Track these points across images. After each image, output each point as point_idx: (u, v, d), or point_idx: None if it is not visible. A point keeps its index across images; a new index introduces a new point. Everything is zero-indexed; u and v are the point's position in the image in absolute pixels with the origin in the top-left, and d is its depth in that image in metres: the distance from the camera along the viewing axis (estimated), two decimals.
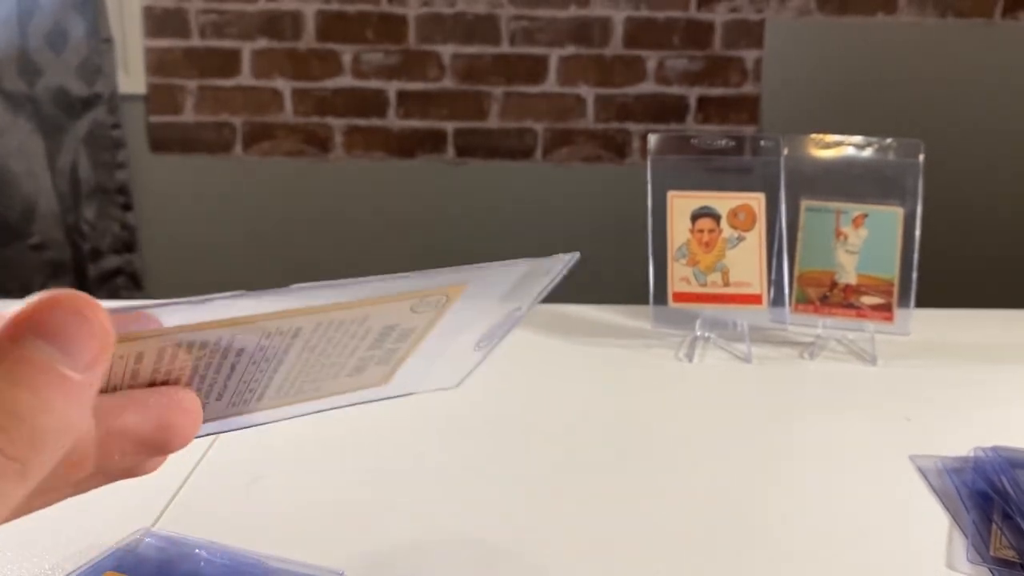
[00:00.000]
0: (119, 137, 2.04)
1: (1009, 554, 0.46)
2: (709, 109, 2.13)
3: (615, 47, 2.10)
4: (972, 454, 0.57)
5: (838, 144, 0.81)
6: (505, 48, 2.10)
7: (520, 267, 0.30)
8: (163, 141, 2.12)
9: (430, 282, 0.29)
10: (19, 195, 1.97)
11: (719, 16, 2.09)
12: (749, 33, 2.09)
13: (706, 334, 0.82)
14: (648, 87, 2.12)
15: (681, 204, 0.81)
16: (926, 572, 0.46)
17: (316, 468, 0.56)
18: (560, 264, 0.31)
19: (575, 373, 0.76)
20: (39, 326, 0.22)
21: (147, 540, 0.45)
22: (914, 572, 0.47)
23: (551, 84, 2.12)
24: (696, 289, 0.80)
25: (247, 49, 2.08)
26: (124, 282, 2.10)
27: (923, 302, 0.82)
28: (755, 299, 0.80)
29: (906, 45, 2.10)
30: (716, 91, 2.12)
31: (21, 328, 0.22)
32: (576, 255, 0.32)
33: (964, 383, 0.74)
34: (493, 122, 2.13)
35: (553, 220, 2.17)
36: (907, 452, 0.60)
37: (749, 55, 2.10)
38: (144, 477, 0.29)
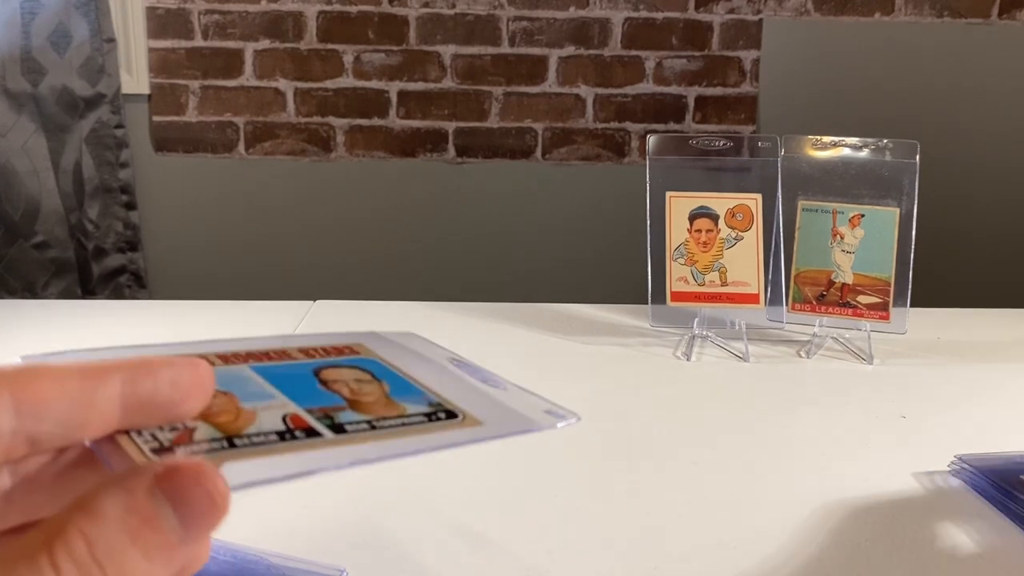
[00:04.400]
0: (122, 137, 2.05)
1: None
2: (707, 109, 2.14)
3: (614, 47, 2.11)
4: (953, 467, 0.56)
5: (835, 145, 0.82)
6: (505, 48, 2.11)
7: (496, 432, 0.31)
8: (166, 141, 2.12)
9: (454, 437, 0.30)
10: (23, 194, 1.98)
11: (717, 17, 2.09)
12: (747, 33, 2.10)
13: (704, 333, 0.83)
14: (647, 87, 2.13)
15: (679, 204, 0.82)
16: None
17: None
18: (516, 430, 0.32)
19: (574, 371, 0.76)
20: (176, 493, 0.23)
21: None
22: None
23: (551, 84, 2.13)
24: (694, 288, 0.81)
25: (250, 49, 2.09)
26: (127, 281, 2.11)
27: (919, 301, 0.82)
28: (752, 298, 0.81)
29: (903, 45, 2.10)
30: (714, 91, 2.13)
31: (161, 486, 0.22)
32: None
33: (959, 381, 0.75)
34: (493, 122, 2.14)
35: (553, 219, 2.18)
36: (903, 449, 0.61)
37: (747, 55, 2.11)
38: None
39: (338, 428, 0.29)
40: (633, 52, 2.11)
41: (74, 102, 1.98)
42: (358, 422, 0.29)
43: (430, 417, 0.31)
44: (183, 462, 0.23)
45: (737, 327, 0.82)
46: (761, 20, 2.09)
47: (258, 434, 0.27)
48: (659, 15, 2.09)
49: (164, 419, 0.26)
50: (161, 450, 0.25)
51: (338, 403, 0.30)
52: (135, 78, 2.08)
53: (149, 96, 2.10)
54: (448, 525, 0.50)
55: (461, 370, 0.36)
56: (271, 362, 0.32)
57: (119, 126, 2.04)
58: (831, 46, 2.10)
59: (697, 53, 2.11)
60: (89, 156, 2.02)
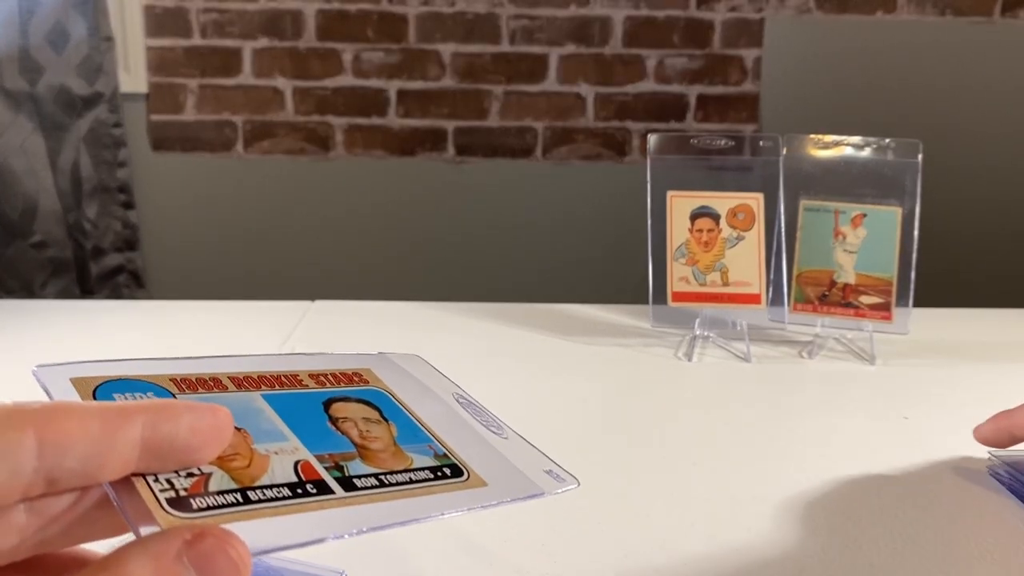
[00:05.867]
0: (120, 136, 2.04)
1: None
2: (708, 108, 2.13)
3: (615, 46, 2.10)
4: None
5: (837, 144, 0.81)
6: (505, 47, 2.10)
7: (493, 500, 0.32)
8: (164, 140, 2.12)
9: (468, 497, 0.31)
10: (21, 194, 1.98)
11: (718, 15, 2.09)
12: (748, 32, 2.10)
13: (705, 333, 0.82)
14: (648, 86, 2.12)
15: (680, 204, 0.82)
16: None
17: None
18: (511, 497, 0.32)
19: (574, 372, 0.76)
20: (202, 560, 0.23)
21: None
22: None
23: (551, 83, 2.12)
24: (695, 288, 0.81)
25: (248, 48, 2.08)
26: (126, 280, 2.11)
27: (921, 301, 0.82)
28: (754, 298, 0.80)
29: (905, 44, 2.10)
30: (715, 90, 2.12)
31: (188, 552, 0.23)
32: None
33: (962, 382, 0.75)
34: (493, 121, 2.14)
35: (553, 219, 2.18)
36: (905, 450, 0.61)
37: (748, 54, 2.11)
38: None
39: (348, 482, 0.29)
40: (634, 50, 2.10)
41: (72, 101, 1.98)
42: (367, 475, 0.30)
43: (435, 472, 0.31)
44: (209, 528, 0.24)
45: (739, 327, 0.82)
46: (763, 18, 2.09)
47: (271, 486, 0.27)
48: (660, 13, 2.08)
49: (181, 464, 0.26)
50: (177, 500, 0.25)
51: (348, 450, 0.31)
52: (133, 77, 2.08)
53: (147, 95, 2.10)
54: (448, 527, 0.50)
55: (465, 410, 0.37)
56: (283, 389, 0.33)
57: (117, 125, 2.03)
58: (833, 44, 2.09)
59: (698, 51, 2.10)
60: (87, 155, 2.01)
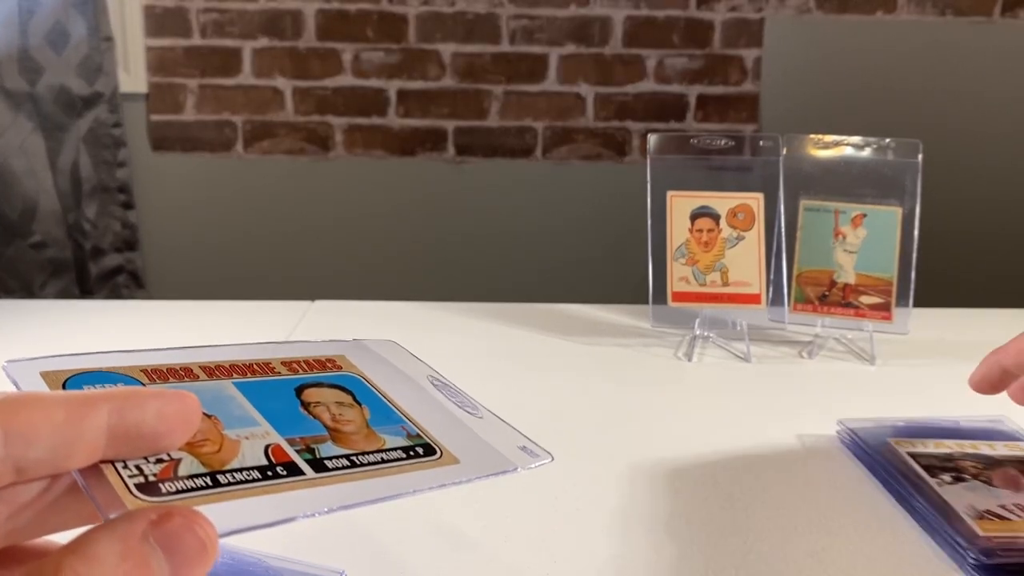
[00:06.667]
0: (120, 136, 2.04)
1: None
2: (708, 108, 2.13)
3: (615, 46, 2.10)
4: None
5: (837, 144, 0.81)
6: (505, 47, 2.10)
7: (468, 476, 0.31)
8: (164, 140, 2.12)
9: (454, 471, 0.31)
10: (20, 194, 1.97)
11: (718, 15, 2.09)
12: (748, 32, 2.10)
13: (705, 333, 0.82)
14: (648, 86, 2.12)
15: (680, 204, 0.81)
16: (926, 569, 0.47)
17: None
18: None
19: (574, 372, 0.76)
20: (168, 540, 0.23)
21: None
22: (909, 571, 0.47)
23: (551, 83, 2.12)
24: (695, 288, 0.81)
25: (248, 48, 2.08)
26: (125, 280, 2.11)
27: (921, 301, 0.82)
28: (754, 298, 0.80)
29: (906, 44, 2.10)
30: (716, 90, 2.12)
31: (154, 532, 0.23)
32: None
33: (962, 382, 0.75)
34: (493, 121, 2.14)
35: (553, 219, 2.18)
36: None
37: (748, 54, 2.11)
38: None
39: (319, 464, 0.29)
40: (634, 50, 2.10)
41: (72, 101, 1.98)
42: (338, 456, 0.29)
43: (408, 452, 0.31)
44: (176, 508, 0.24)
45: (739, 328, 0.82)
46: (763, 18, 2.09)
47: (241, 469, 0.27)
48: (660, 13, 2.08)
49: (149, 450, 0.26)
50: (145, 485, 0.25)
51: (319, 432, 0.30)
52: (133, 77, 2.08)
53: (147, 95, 2.10)
54: (448, 527, 0.50)
55: (439, 392, 0.36)
56: (255, 377, 0.32)
57: (117, 125, 2.03)
58: (833, 44, 2.09)
59: (698, 51, 2.10)
60: (87, 155, 2.01)
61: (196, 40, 2.07)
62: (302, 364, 0.34)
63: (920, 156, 0.79)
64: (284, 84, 2.10)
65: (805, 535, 0.50)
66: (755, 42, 2.10)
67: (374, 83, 2.11)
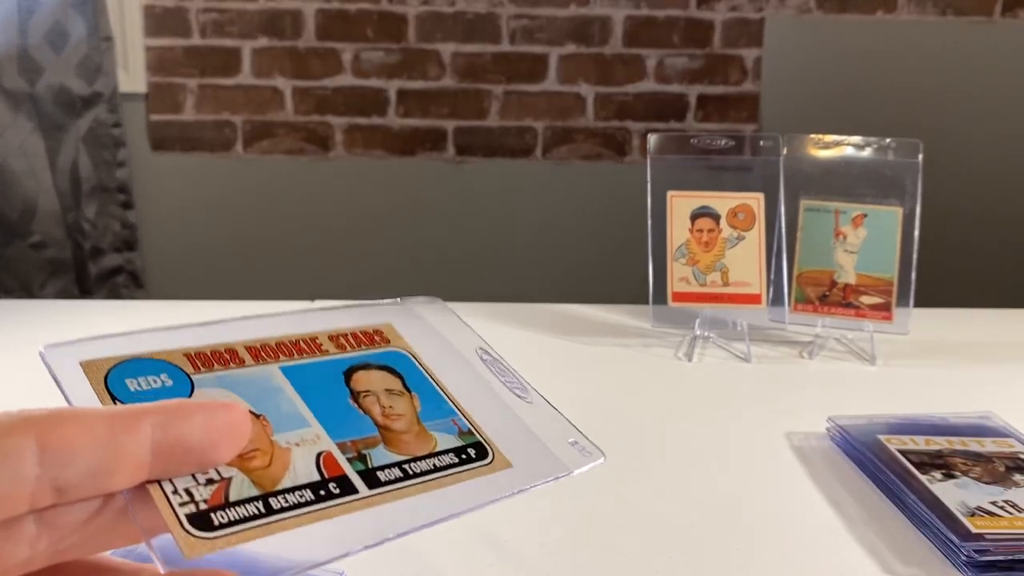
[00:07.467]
0: (119, 136, 2.04)
1: None
2: (709, 107, 2.13)
3: (615, 46, 2.10)
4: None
5: (837, 144, 0.81)
6: (505, 47, 2.10)
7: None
8: (163, 140, 2.12)
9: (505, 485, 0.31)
10: (20, 194, 1.97)
11: (719, 15, 2.09)
12: (749, 31, 2.09)
13: (705, 333, 0.82)
14: (648, 85, 2.12)
15: (681, 204, 0.81)
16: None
17: None
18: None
19: (575, 372, 0.76)
20: None
21: None
22: (903, 568, 0.47)
23: (551, 83, 2.12)
24: (695, 289, 0.81)
25: (247, 48, 2.08)
26: (124, 280, 2.11)
27: (922, 302, 0.82)
28: (754, 299, 0.80)
29: (906, 43, 2.10)
30: (716, 89, 2.12)
31: None
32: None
33: (962, 382, 0.75)
34: (493, 120, 2.14)
35: (553, 219, 2.18)
36: None
37: (749, 53, 2.11)
38: None
39: (371, 477, 0.28)
40: (634, 50, 2.10)
41: (71, 101, 1.98)
42: (390, 466, 0.29)
43: (460, 455, 0.31)
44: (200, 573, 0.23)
45: (739, 328, 0.82)
46: (763, 18, 2.08)
47: (293, 489, 0.26)
48: (660, 13, 2.08)
49: (197, 466, 0.25)
50: (197, 515, 0.24)
51: (370, 434, 0.30)
52: (132, 77, 2.08)
53: (146, 95, 2.10)
54: (448, 526, 0.50)
55: (489, 370, 0.35)
56: (301, 358, 0.31)
57: (116, 125, 2.03)
58: (833, 44, 2.09)
59: (699, 51, 2.10)
60: (86, 155, 2.01)
61: (196, 40, 2.07)
62: (349, 338, 0.33)
63: (920, 156, 0.79)
64: (284, 84, 2.10)
65: (802, 534, 0.50)
66: (755, 42, 2.10)
67: (374, 83, 2.11)
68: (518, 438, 0.32)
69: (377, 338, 0.34)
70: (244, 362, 0.30)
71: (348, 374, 0.32)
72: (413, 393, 0.32)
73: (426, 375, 0.33)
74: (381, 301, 0.36)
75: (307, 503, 0.26)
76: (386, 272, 2.19)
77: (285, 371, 0.30)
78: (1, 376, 0.73)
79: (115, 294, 2.08)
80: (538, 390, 0.35)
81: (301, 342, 0.32)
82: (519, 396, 0.35)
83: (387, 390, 0.32)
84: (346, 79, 2.10)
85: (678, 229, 0.81)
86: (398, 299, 0.36)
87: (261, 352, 0.31)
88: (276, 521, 0.25)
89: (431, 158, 2.15)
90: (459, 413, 0.32)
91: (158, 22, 2.06)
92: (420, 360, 0.34)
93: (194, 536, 0.24)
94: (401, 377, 0.33)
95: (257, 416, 0.28)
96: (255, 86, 2.10)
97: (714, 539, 0.50)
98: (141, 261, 2.13)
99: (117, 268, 2.09)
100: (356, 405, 0.31)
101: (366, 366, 0.32)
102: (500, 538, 0.49)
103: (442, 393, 0.33)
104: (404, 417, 0.31)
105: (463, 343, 0.36)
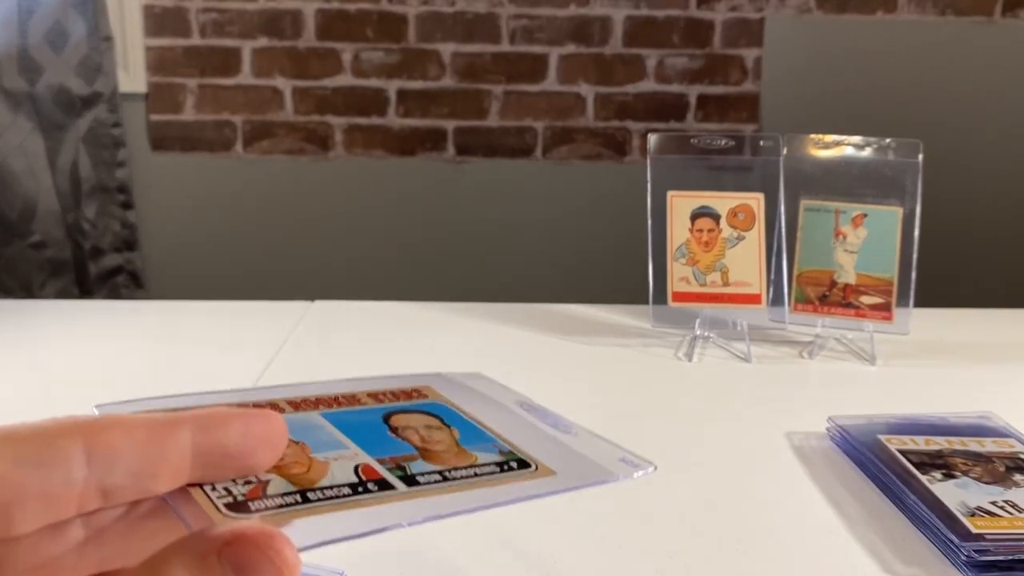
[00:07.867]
0: (119, 136, 2.04)
1: None
2: (709, 107, 2.13)
3: (615, 46, 2.10)
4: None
5: (837, 144, 0.81)
6: (505, 47, 2.10)
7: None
8: (163, 140, 2.12)
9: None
10: (19, 194, 1.97)
11: (719, 15, 2.09)
12: (749, 31, 2.09)
13: (705, 333, 0.82)
14: (648, 85, 2.12)
15: (681, 204, 0.81)
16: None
17: None
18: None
19: (575, 372, 0.76)
20: (242, 561, 0.23)
21: None
22: (903, 568, 0.47)
23: (551, 83, 2.12)
24: (695, 289, 0.81)
25: (247, 48, 2.08)
26: (124, 280, 2.11)
27: (922, 302, 0.82)
28: (754, 299, 0.80)
29: (906, 43, 2.10)
30: (716, 89, 2.12)
31: (227, 552, 0.22)
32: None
33: (963, 382, 0.75)
34: (493, 120, 2.14)
35: (553, 219, 2.18)
36: None
37: (749, 53, 2.10)
38: None
39: (410, 480, 0.28)
40: (634, 50, 2.10)
41: (71, 101, 1.97)
42: (430, 472, 0.29)
43: (502, 467, 0.30)
44: (250, 528, 0.23)
45: (739, 328, 0.82)
46: (763, 18, 2.08)
47: (331, 487, 0.27)
48: (660, 13, 2.08)
49: (236, 472, 0.25)
50: (235, 504, 0.25)
51: (409, 452, 0.30)
52: (132, 77, 2.08)
53: (146, 95, 2.10)
54: (448, 527, 0.50)
55: (530, 414, 0.36)
56: (341, 408, 0.32)
57: (116, 125, 2.03)
58: (833, 44, 2.09)
59: (699, 51, 2.10)
60: (86, 155, 2.01)
61: (195, 40, 2.07)
62: (388, 395, 0.34)
63: (920, 156, 0.79)
64: (284, 84, 2.10)
65: (802, 533, 0.50)
66: (755, 42, 2.10)
67: (374, 83, 2.11)
68: (563, 455, 0.32)
69: (415, 394, 0.34)
70: (284, 411, 0.31)
71: (387, 417, 0.32)
72: (452, 427, 0.32)
73: (465, 416, 0.33)
74: (421, 372, 0.36)
75: (344, 496, 0.26)
76: (385, 272, 2.19)
77: (325, 416, 0.31)
78: (1, 376, 0.73)
79: (115, 294, 2.08)
80: (587, 428, 0.36)
81: (340, 397, 0.33)
82: (563, 431, 0.34)
83: (426, 425, 0.32)
84: (346, 79, 2.10)
85: (678, 229, 0.81)
86: (436, 373, 0.37)
87: (301, 404, 0.31)
88: (312, 507, 0.26)
89: (431, 158, 2.15)
90: (500, 440, 0.32)
91: (158, 22, 2.06)
92: (459, 408, 0.34)
93: (230, 517, 0.24)
94: (440, 418, 0.33)
95: (296, 443, 0.28)
96: (255, 86, 2.10)
97: (714, 539, 0.50)
98: (141, 261, 2.13)
99: (117, 268, 2.09)
100: (395, 436, 0.31)
101: (404, 411, 0.33)
102: (500, 537, 0.49)
103: (482, 427, 0.33)
104: (443, 442, 0.31)
105: (504, 398, 0.36)
